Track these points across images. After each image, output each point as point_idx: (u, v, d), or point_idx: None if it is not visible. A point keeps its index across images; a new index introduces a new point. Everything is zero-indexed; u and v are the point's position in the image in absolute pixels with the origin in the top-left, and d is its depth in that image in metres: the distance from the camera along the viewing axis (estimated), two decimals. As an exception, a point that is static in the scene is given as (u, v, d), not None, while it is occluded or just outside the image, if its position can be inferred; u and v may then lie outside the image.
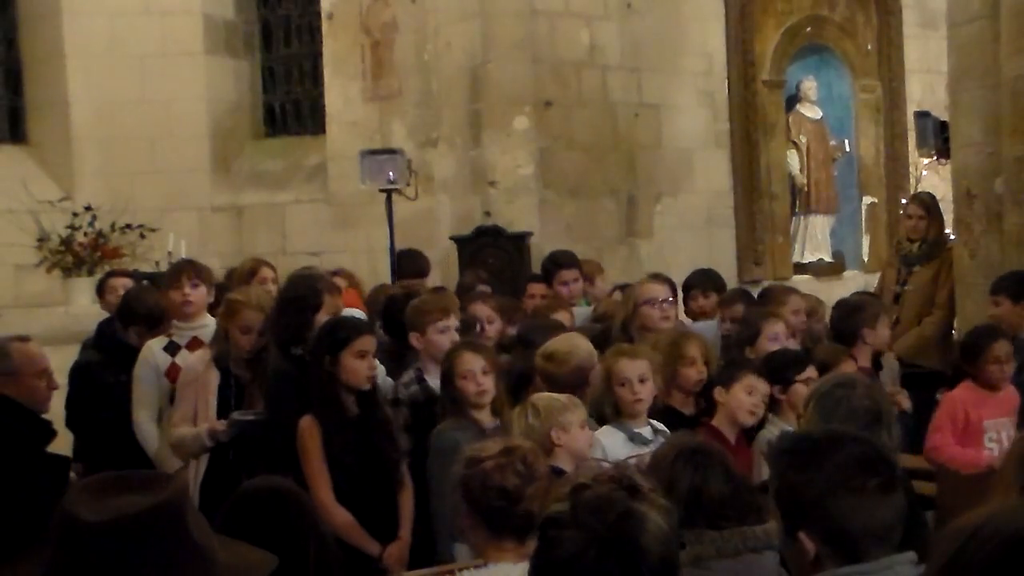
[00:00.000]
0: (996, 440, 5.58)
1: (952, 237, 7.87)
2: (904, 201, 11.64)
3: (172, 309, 5.74)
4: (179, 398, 5.26)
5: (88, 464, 5.57)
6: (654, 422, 4.66)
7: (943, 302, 7.54)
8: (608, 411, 4.62)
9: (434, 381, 4.94)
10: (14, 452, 4.20)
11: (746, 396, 4.65)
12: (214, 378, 5.13)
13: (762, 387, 4.70)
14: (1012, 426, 5.62)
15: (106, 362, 5.85)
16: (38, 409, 4.56)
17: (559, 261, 7.42)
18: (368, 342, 4.67)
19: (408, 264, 7.99)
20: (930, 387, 6.11)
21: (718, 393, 4.68)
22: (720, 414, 4.74)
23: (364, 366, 4.62)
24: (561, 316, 6.21)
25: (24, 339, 4.67)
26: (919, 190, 11.72)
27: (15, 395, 4.44)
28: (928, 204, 8.02)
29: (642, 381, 4.60)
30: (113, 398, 5.64)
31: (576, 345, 5.08)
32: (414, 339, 5.27)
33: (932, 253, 7.73)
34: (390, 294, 6.48)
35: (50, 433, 4.47)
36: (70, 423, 6.02)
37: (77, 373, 6.04)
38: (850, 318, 5.92)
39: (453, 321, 5.22)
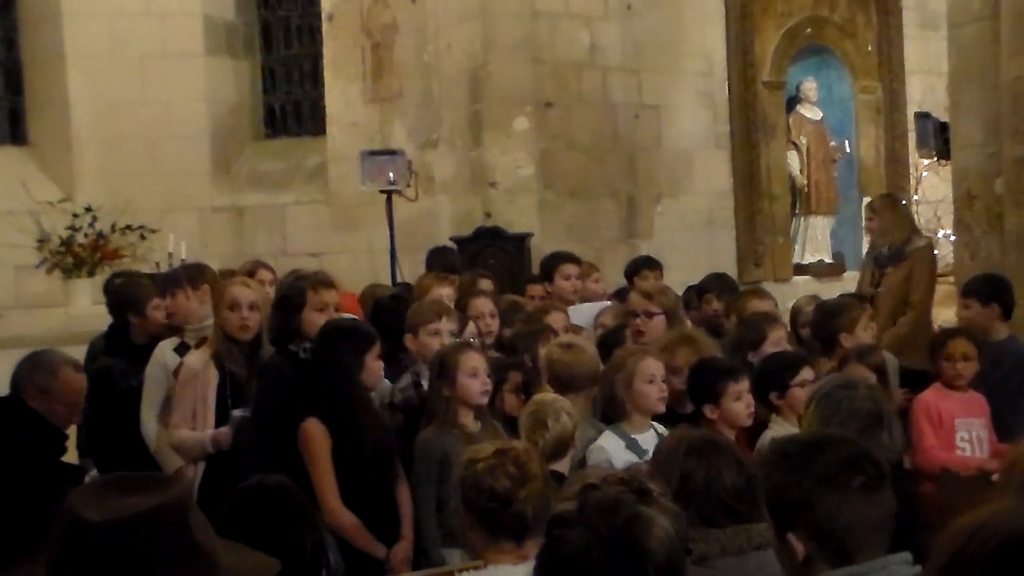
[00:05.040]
0: (968, 440, 5.59)
1: (923, 238, 7.92)
2: (903, 202, 11.68)
3: (185, 313, 5.80)
4: (178, 398, 5.26)
5: (99, 465, 5.60)
6: (657, 425, 4.67)
7: (916, 301, 7.56)
8: (628, 409, 4.63)
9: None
10: (30, 460, 4.25)
11: (736, 403, 4.63)
12: (213, 376, 5.13)
13: (745, 384, 4.68)
14: (983, 427, 5.63)
15: (126, 368, 5.86)
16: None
17: (560, 255, 7.48)
18: (379, 345, 4.77)
19: (440, 261, 7.98)
20: (914, 384, 6.11)
21: (708, 411, 4.64)
22: (717, 423, 4.72)
23: (379, 367, 4.74)
24: (555, 318, 6.22)
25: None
26: (919, 191, 11.77)
27: (38, 408, 4.50)
28: (877, 207, 8.08)
29: (663, 379, 4.67)
30: (131, 403, 5.65)
31: (586, 344, 5.13)
32: (409, 341, 5.29)
33: (901, 254, 7.75)
34: (376, 296, 6.49)
35: (63, 446, 4.54)
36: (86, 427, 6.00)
37: (97, 378, 6.01)
38: (828, 322, 5.93)
39: (445, 324, 5.21)
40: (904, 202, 8.61)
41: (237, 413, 4.99)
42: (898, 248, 7.74)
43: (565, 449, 4.25)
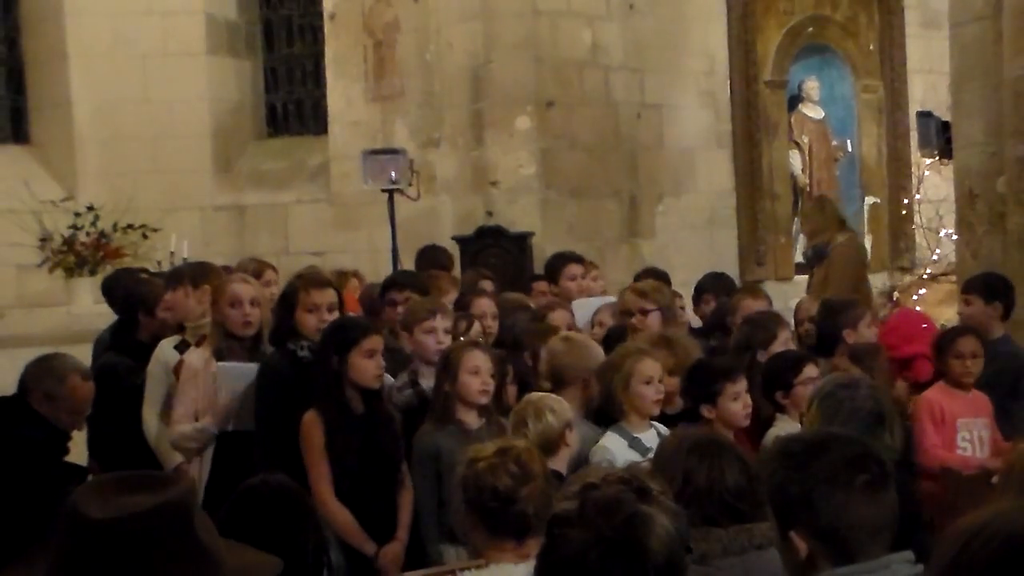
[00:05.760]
0: (969, 440, 5.59)
1: (844, 234, 7.94)
2: (906, 201, 11.69)
3: (182, 310, 5.81)
4: (179, 394, 5.26)
5: (102, 463, 5.60)
6: (657, 425, 4.67)
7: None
8: (625, 410, 4.63)
9: (428, 384, 4.94)
10: (32, 460, 4.29)
11: (733, 404, 4.63)
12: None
13: (742, 384, 4.68)
14: (985, 426, 5.62)
15: (131, 365, 5.87)
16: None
17: (564, 256, 7.51)
18: (376, 342, 4.70)
19: (430, 259, 7.97)
20: None
21: (706, 411, 4.64)
22: (715, 423, 4.71)
23: (373, 365, 4.64)
24: (559, 316, 6.22)
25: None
26: (920, 190, 11.76)
27: (42, 412, 4.54)
28: (807, 211, 8.25)
29: (660, 380, 4.67)
30: (135, 400, 5.66)
31: (587, 340, 5.15)
32: (404, 340, 5.29)
33: (823, 254, 7.86)
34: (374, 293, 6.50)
35: (65, 446, 4.57)
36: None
37: (102, 375, 6.03)
38: (831, 320, 5.92)
39: (440, 322, 5.20)
40: (832, 202, 8.68)
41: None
42: (821, 248, 7.87)
43: (553, 447, 4.21)
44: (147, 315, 6.06)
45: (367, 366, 4.61)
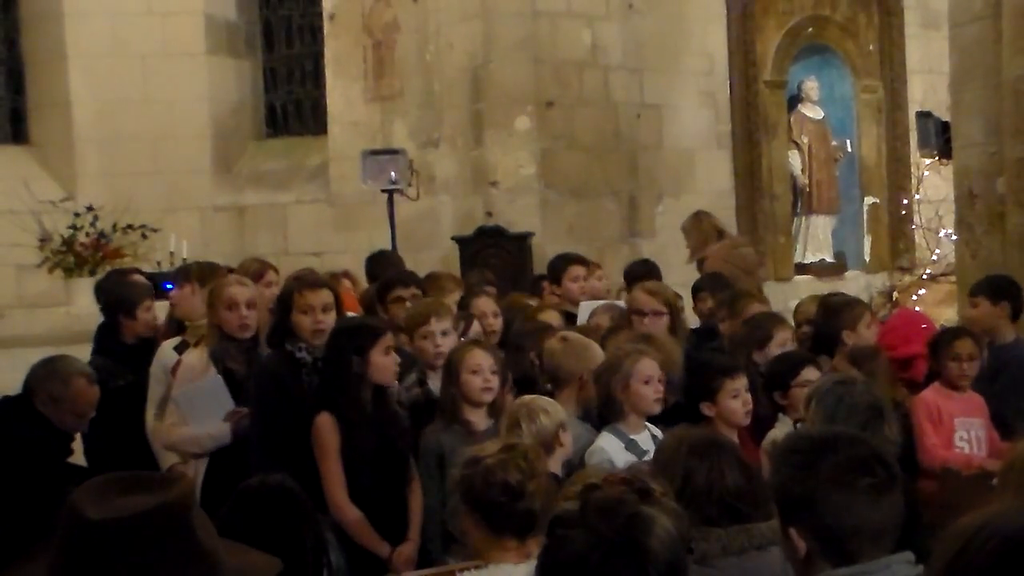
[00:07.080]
0: (967, 440, 5.57)
1: (714, 246, 8.08)
2: (906, 201, 11.69)
3: (187, 307, 5.81)
4: (175, 395, 5.24)
5: (91, 464, 5.59)
6: (650, 426, 4.67)
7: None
8: (625, 410, 4.62)
9: (435, 384, 4.95)
10: (34, 460, 4.31)
11: (732, 401, 4.62)
12: (212, 375, 5.14)
13: (742, 382, 4.68)
14: (982, 427, 5.60)
15: (114, 367, 5.85)
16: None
17: (567, 257, 7.47)
18: (391, 339, 4.73)
19: (383, 263, 7.87)
20: None
21: (706, 408, 4.64)
22: (716, 421, 4.71)
23: (391, 362, 4.66)
24: (549, 316, 6.21)
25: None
26: (920, 190, 11.78)
27: (45, 413, 4.55)
28: (685, 227, 8.48)
29: (659, 380, 4.66)
30: (119, 402, 5.64)
31: (583, 340, 5.15)
32: (407, 344, 5.29)
33: (701, 269, 8.02)
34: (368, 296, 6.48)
35: (68, 448, 4.58)
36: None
37: None
38: (830, 321, 5.90)
39: (436, 325, 5.20)
40: (709, 215, 8.68)
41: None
42: (700, 263, 7.95)
43: (546, 448, 4.21)
44: (128, 317, 6.03)
45: (386, 363, 4.62)
